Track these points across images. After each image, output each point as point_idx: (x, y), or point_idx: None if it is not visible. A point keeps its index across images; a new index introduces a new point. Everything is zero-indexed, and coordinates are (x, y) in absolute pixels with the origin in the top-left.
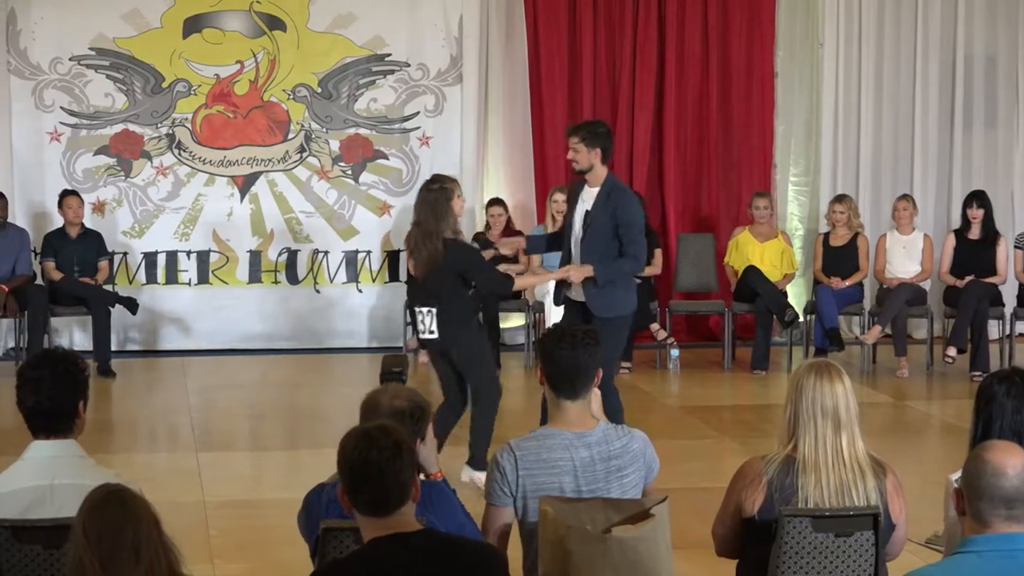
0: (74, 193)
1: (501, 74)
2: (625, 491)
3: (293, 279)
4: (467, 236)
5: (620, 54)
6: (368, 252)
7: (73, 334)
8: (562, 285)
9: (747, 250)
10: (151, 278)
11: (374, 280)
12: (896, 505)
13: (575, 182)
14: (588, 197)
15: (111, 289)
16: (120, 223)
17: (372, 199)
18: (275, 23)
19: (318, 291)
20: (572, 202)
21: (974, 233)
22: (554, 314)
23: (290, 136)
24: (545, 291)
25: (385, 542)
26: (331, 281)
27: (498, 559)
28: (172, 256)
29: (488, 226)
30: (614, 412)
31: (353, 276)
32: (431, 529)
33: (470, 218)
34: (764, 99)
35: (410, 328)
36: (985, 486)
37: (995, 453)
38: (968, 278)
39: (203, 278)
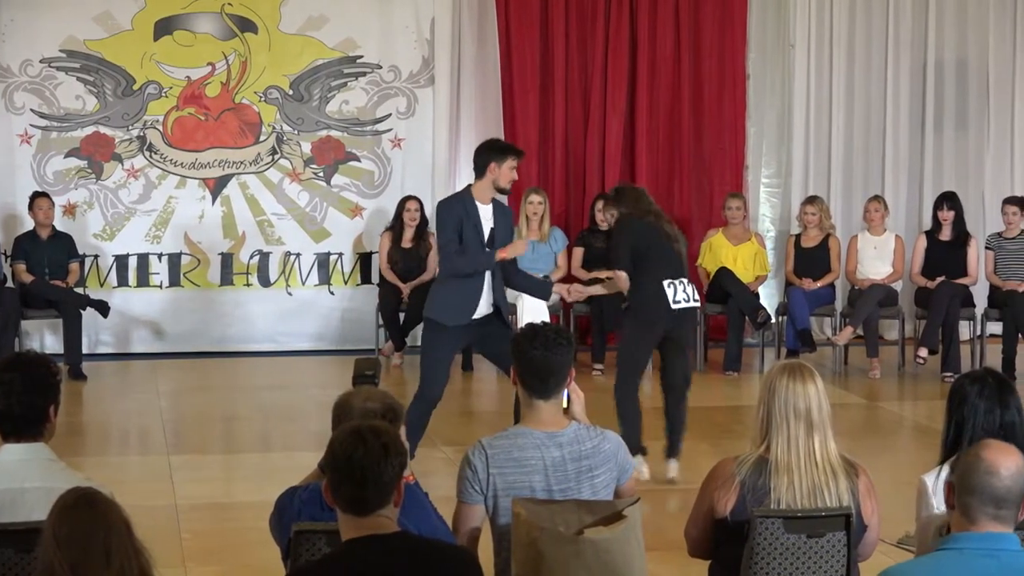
0: (45, 195)
1: (473, 76)
2: (596, 492)
3: (265, 281)
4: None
5: (592, 56)
6: (340, 254)
7: (44, 337)
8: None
9: (720, 252)
10: (122, 281)
11: (346, 282)
12: (868, 506)
13: (465, 200)
14: (485, 215)
15: (82, 292)
16: (91, 226)
17: (344, 201)
18: (246, 25)
19: (290, 293)
20: (469, 219)
21: (945, 234)
22: (527, 315)
23: (262, 138)
24: (517, 293)
25: (360, 544)
26: (303, 283)
27: (472, 562)
28: (143, 259)
29: None
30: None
31: (325, 278)
32: (406, 531)
33: None
34: (736, 101)
35: (383, 331)
36: (977, 483)
37: (991, 452)
38: (939, 279)
39: (175, 281)
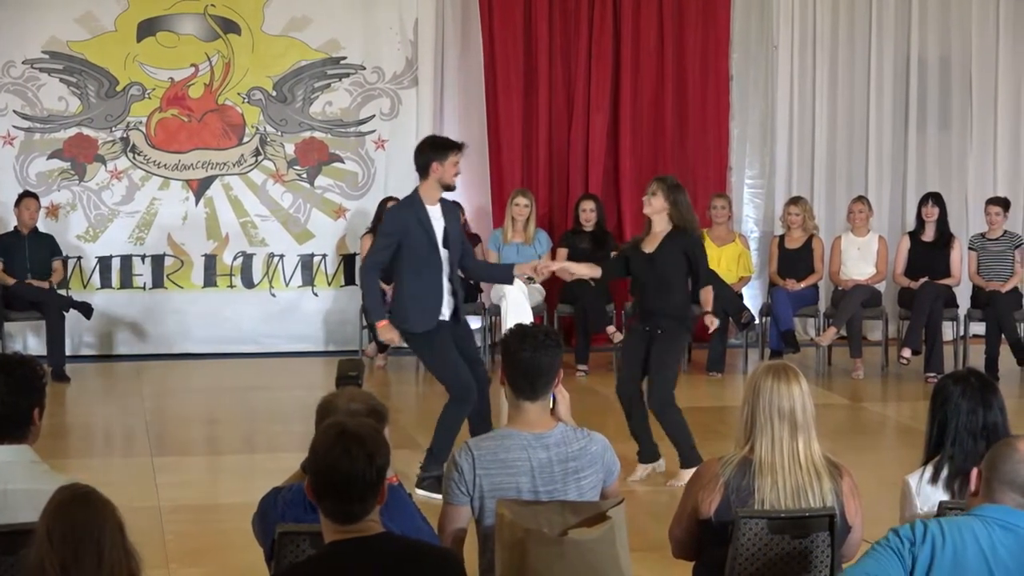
0: (33, 195)
1: (457, 77)
2: (582, 493)
3: (248, 283)
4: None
5: (576, 56)
6: (324, 255)
7: (27, 339)
8: None
9: None
10: (105, 282)
11: (330, 284)
12: (852, 507)
13: (415, 206)
14: (435, 216)
15: (65, 294)
16: (74, 227)
17: (328, 202)
18: (230, 26)
19: (273, 295)
20: (420, 225)
21: (928, 235)
22: (511, 316)
23: (245, 139)
24: (501, 294)
25: (344, 545)
26: (286, 285)
27: (456, 563)
28: (127, 260)
29: None
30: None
31: (309, 280)
32: (390, 533)
33: None
34: (719, 102)
35: (367, 332)
36: (1008, 470)
37: None
38: (922, 280)
39: (158, 282)
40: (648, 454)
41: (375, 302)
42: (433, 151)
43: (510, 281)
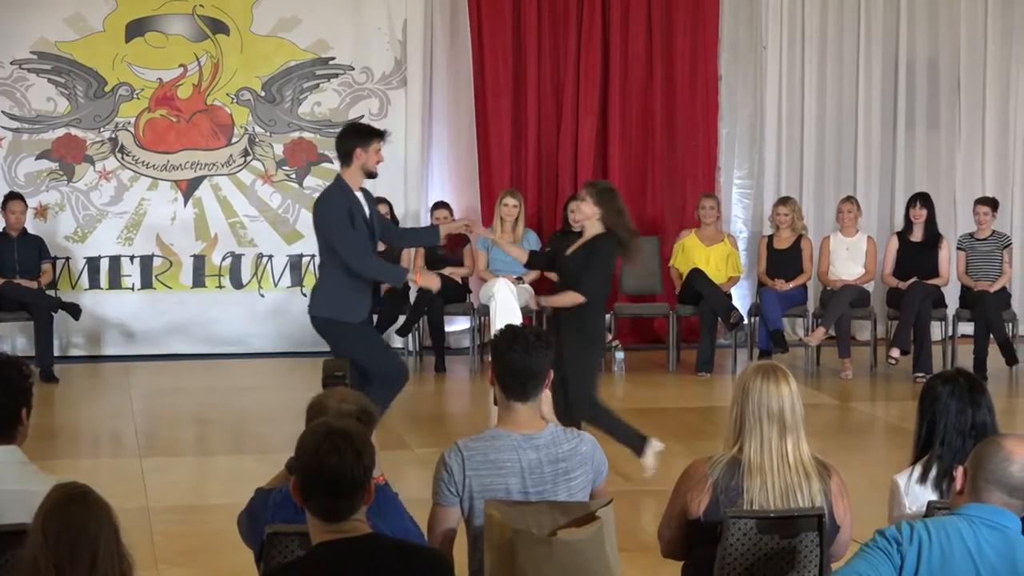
0: (19, 196)
1: (445, 77)
2: (572, 494)
3: (237, 283)
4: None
5: (564, 57)
6: (312, 256)
7: (15, 339)
8: None
9: (693, 253)
10: (94, 283)
11: None
12: (840, 507)
13: (347, 192)
14: (360, 202)
15: (54, 294)
16: (63, 228)
17: None
18: (218, 26)
19: (263, 295)
20: (357, 212)
21: (916, 235)
22: (500, 317)
23: (234, 140)
24: (490, 294)
25: (332, 546)
26: (275, 285)
27: (445, 563)
28: (115, 261)
29: None
30: None
31: (298, 280)
32: (378, 533)
33: (415, 221)
34: (708, 102)
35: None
36: (993, 468)
37: (1012, 442)
38: (911, 280)
39: (147, 283)
40: (636, 443)
41: (388, 268)
42: (357, 137)
43: (437, 240)
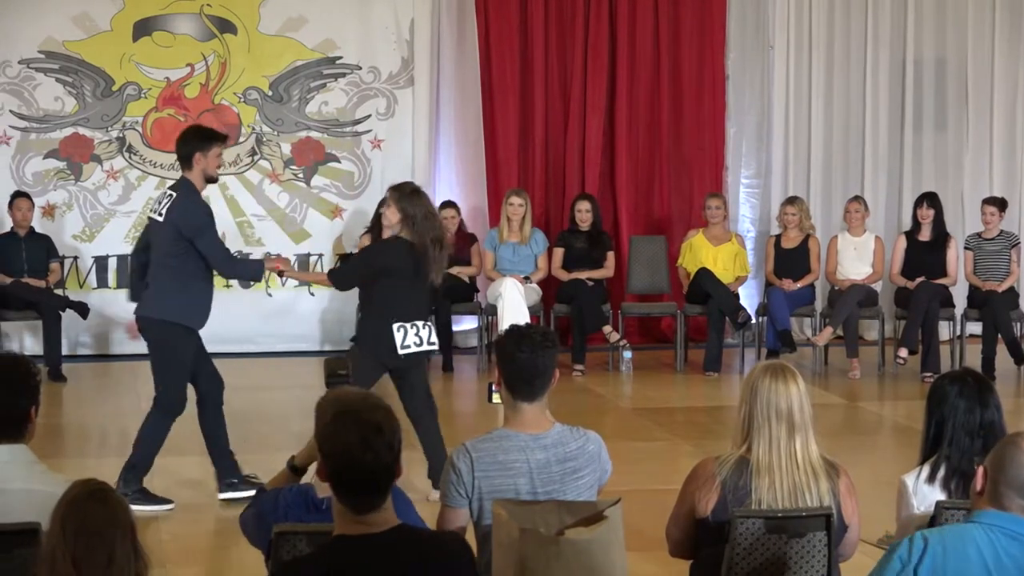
0: (25, 195)
1: (452, 76)
2: (580, 493)
3: (245, 282)
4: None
5: (572, 56)
6: (320, 255)
7: (24, 339)
8: None
9: (700, 253)
10: (102, 282)
11: None
12: (849, 506)
13: (197, 194)
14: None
15: (61, 293)
16: (70, 227)
17: (324, 202)
18: (226, 26)
19: (270, 294)
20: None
21: (924, 235)
22: (507, 316)
23: (241, 139)
24: (497, 294)
25: (350, 541)
26: (283, 285)
27: (467, 551)
28: (123, 260)
29: None
30: None
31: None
32: (402, 524)
33: None
34: (715, 102)
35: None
36: (1016, 474)
37: None
38: (919, 280)
39: None
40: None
41: (249, 265)
42: (197, 141)
43: (259, 278)
